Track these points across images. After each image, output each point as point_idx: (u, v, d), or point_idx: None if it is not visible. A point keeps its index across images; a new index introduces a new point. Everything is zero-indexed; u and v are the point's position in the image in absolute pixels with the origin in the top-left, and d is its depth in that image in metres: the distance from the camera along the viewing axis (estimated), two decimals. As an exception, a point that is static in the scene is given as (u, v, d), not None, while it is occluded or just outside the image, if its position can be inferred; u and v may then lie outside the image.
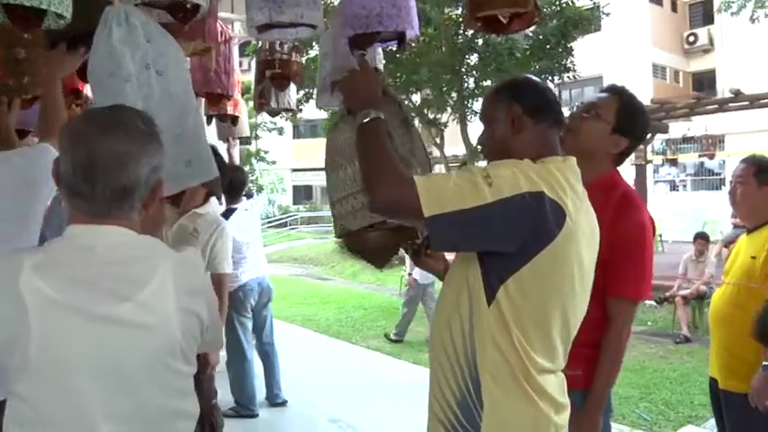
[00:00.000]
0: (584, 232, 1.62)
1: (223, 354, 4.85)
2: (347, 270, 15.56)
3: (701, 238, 8.92)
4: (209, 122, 4.38)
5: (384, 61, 3.18)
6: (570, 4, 13.01)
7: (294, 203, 32.45)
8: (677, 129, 18.53)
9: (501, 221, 1.50)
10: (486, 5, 2.13)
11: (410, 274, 8.08)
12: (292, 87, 3.69)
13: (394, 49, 2.62)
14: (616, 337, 2.19)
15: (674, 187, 23.36)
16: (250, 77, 9.32)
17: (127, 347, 1.24)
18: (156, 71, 1.90)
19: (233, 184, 4.91)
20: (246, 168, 23.56)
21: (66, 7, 1.95)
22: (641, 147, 11.72)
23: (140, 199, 1.33)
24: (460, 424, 1.60)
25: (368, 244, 1.89)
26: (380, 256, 1.96)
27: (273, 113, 4.13)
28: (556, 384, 1.63)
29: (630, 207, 2.19)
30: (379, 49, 2.90)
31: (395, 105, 1.98)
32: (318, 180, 32.89)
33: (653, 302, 9.50)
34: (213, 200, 3.87)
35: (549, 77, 13.39)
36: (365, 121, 1.70)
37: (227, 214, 4.83)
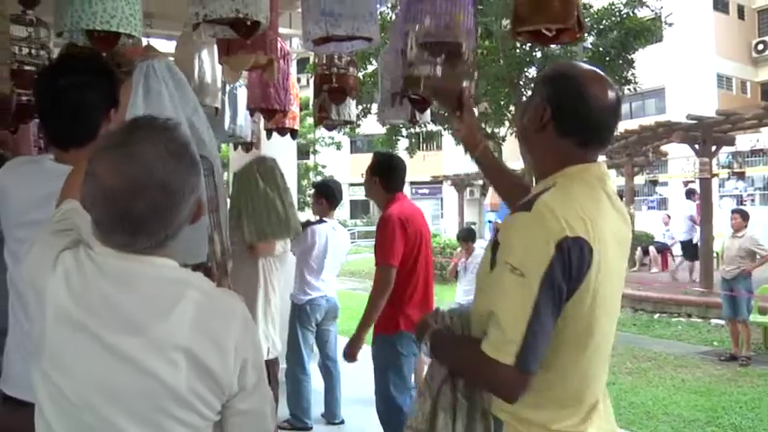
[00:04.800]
0: (612, 241, 1.56)
1: (283, 365, 4.90)
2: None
3: (738, 213, 8.54)
4: (269, 137, 4.45)
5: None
6: (631, 14, 12.78)
7: (351, 218, 32.67)
8: (744, 141, 17.96)
9: (553, 293, 1.45)
10: (527, 21, 2.13)
11: None
12: (350, 101, 3.72)
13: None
14: None
15: (741, 202, 22.57)
16: (307, 93, 9.45)
17: (126, 385, 1.16)
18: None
19: (328, 192, 5.01)
20: (304, 182, 23.92)
21: (135, 27, 2.07)
22: (706, 159, 11.41)
23: (183, 230, 1.26)
24: None
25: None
26: None
27: (332, 127, 4.16)
28: None
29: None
30: (439, 61, 2.89)
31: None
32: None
33: (719, 321, 9.18)
34: None
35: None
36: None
37: (315, 224, 4.94)
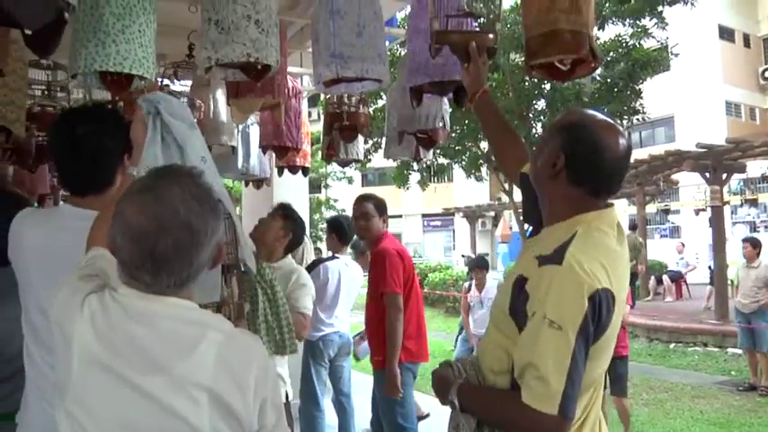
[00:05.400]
0: (623, 285, 1.65)
1: (297, 401, 4.88)
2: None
3: (748, 242, 8.43)
4: (280, 174, 4.52)
5: (451, 109, 3.22)
6: (637, 45, 12.86)
7: (363, 251, 32.62)
8: (755, 168, 17.90)
9: (586, 341, 1.52)
10: (539, 53, 2.15)
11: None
12: (360, 138, 3.77)
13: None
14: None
15: (754, 228, 22.39)
16: (318, 127, 9.57)
17: (150, 424, 1.20)
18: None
19: (340, 228, 5.05)
20: (316, 217, 24.01)
21: (147, 69, 2.12)
22: (716, 187, 11.39)
23: (203, 272, 1.31)
24: None
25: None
26: None
27: (343, 164, 4.22)
28: None
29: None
30: (446, 99, 2.95)
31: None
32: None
33: (736, 350, 9.06)
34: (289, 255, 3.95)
35: (619, 121, 13.20)
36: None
37: (327, 260, 4.95)
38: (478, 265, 8.16)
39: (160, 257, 1.22)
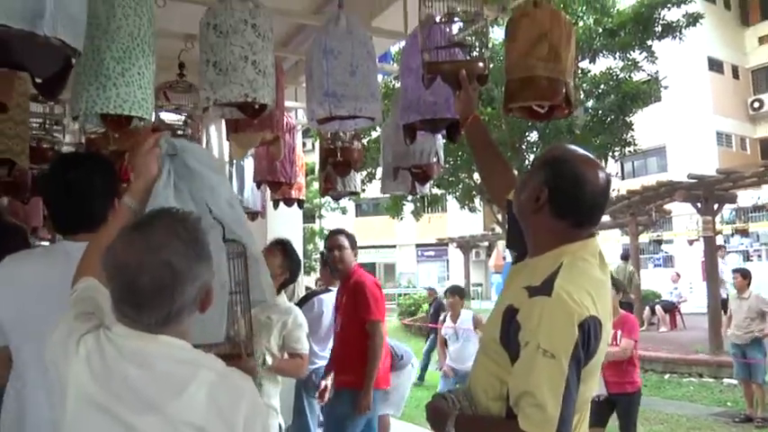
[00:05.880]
0: (608, 311, 1.71)
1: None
2: (412, 346, 15.37)
3: (738, 273, 8.38)
4: (275, 207, 4.56)
5: (445, 140, 3.27)
6: (627, 78, 13.04)
7: (356, 280, 32.51)
8: (746, 197, 18.04)
9: (578, 367, 1.57)
10: (517, 97, 2.26)
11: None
12: (355, 172, 3.82)
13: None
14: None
15: (747, 257, 22.47)
16: (313, 158, 9.57)
17: None
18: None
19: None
20: (310, 247, 23.97)
21: (147, 111, 2.17)
22: (708, 218, 11.45)
23: (189, 313, 1.34)
24: None
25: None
26: None
27: (338, 197, 4.27)
28: None
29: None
30: (440, 135, 3.00)
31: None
32: (381, 257, 33.05)
33: (732, 381, 9.03)
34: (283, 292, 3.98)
35: (610, 153, 13.33)
36: None
37: (320, 293, 4.97)
38: (454, 292, 7.80)
39: (139, 293, 1.26)
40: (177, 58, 3.01)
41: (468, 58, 2.37)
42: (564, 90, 2.20)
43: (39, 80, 1.77)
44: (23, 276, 1.88)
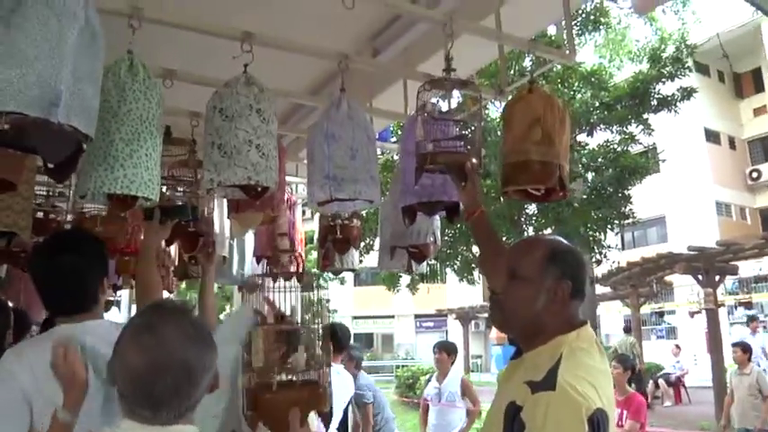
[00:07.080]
0: (609, 395, 1.68)
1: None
2: (409, 422, 15.10)
3: (738, 347, 7.93)
4: (275, 280, 4.56)
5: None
6: (625, 151, 13.21)
7: (356, 351, 32.20)
8: (748, 268, 18.00)
9: None
10: (511, 181, 2.32)
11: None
12: (353, 249, 3.85)
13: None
14: None
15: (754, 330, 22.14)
16: (312, 226, 9.64)
17: None
18: None
19: (333, 336, 5.02)
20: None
21: (152, 191, 2.21)
22: (710, 290, 11.41)
23: (201, 400, 1.37)
24: None
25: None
26: None
27: (336, 273, 4.29)
28: None
29: None
30: (437, 216, 3.04)
31: None
32: (379, 328, 32.73)
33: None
34: None
35: (609, 226, 13.39)
36: None
37: None
38: (441, 348, 6.71)
39: (158, 397, 1.28)
40: (190, 134, 3.08)
41: (467, 149, 2.37)
42: (558, 173, 2.25)
43: (51, 165, 1.82)
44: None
